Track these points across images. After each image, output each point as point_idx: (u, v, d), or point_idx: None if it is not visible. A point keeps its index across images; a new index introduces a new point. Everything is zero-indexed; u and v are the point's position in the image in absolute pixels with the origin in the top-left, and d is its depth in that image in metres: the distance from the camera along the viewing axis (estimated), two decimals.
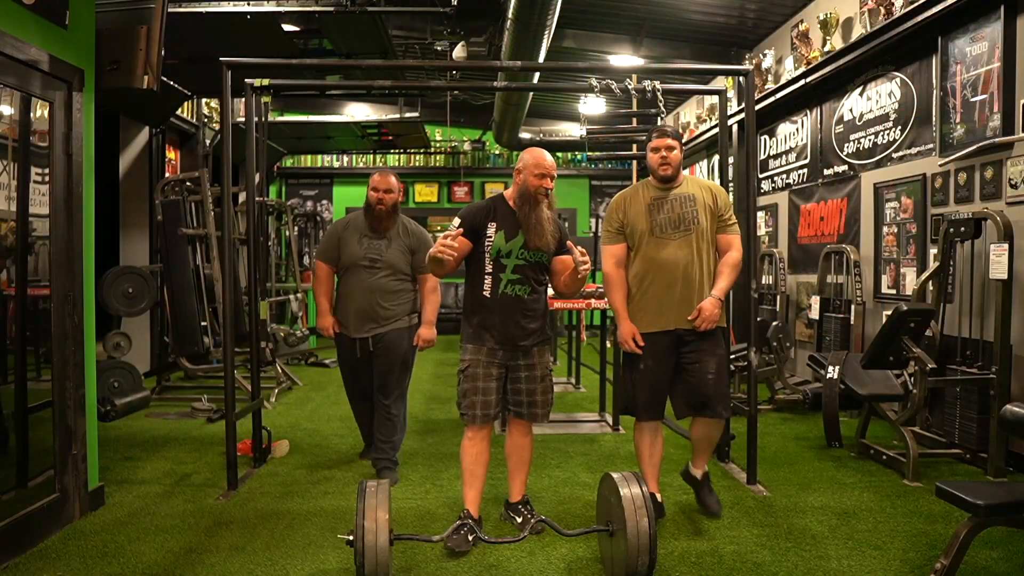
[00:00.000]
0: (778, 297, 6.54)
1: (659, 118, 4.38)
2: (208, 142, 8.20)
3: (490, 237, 3.01)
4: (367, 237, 3.80)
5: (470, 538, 2.94)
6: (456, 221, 3.00)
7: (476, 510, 3.08)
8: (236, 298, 5.86)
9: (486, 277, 3.03)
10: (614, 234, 3.22)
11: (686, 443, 4.52)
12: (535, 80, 7.13)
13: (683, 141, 3.27)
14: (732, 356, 5.00)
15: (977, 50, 4.30)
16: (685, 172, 3.52)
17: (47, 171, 3.12)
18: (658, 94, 4.16)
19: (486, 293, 3.03)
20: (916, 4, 4.57)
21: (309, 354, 8.01)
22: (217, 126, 8.21)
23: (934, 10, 4.44)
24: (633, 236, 3.18)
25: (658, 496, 3.27)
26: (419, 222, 4.04)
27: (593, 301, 4.86)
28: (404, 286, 3.84)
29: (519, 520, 3.16)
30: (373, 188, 3.78)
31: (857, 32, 5.46)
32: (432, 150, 11.86)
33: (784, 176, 6.94)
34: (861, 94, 5.63)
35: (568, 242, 3.05)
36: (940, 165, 4.63)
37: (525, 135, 10.76)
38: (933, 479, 3.64)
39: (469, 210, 3.08)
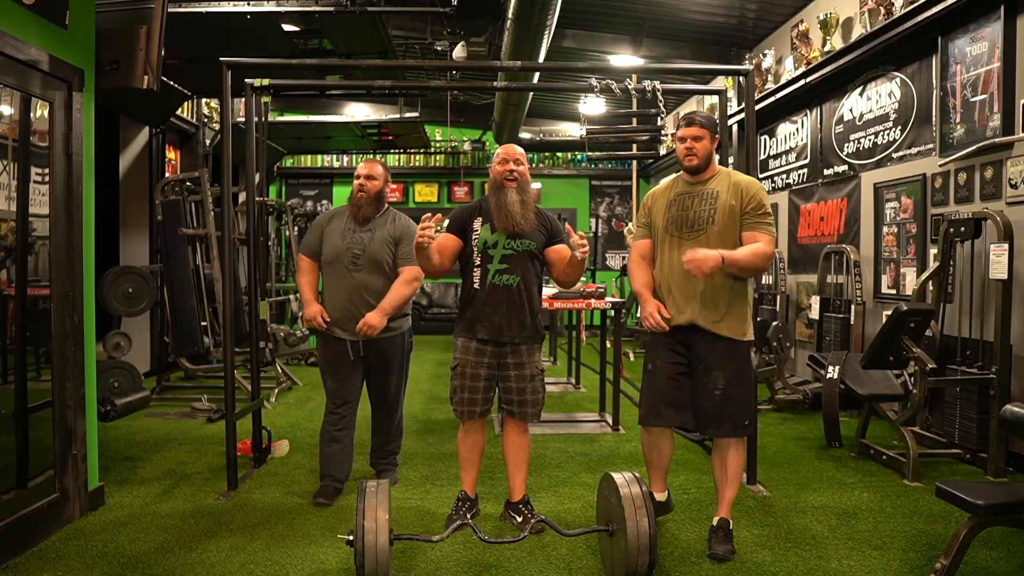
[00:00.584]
0: (778, 297, 6.54)
1: (659, 118, 4.38)
2: (208, 142, 8.20)
3: (476, 231, 3.12)
4: (351, 229, 3.57)
5: (469, 516, 3.13)
6: (446, 222, 3.17)
7: (472, 490, 3.28)
8: (236, 298, 5.85)
9: (475, 270, 3.11)
10: (641, 228, 3.10)
11: (686, 443, 4.53)
12: (535, 80, 7.14)
13: (716, 129, 3.00)
14: None
15: (977, 50, 4.30)
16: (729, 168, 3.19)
17: (47, 171, 3.12)
18: (658, 94, 4.16)
19: (476, 285, 3.10)
20: (916, 4, 4.57)
21: (309, 354, 8.00)
22: (217, 126, 8.21)
23: (934, 10, 4.44)
24: (655, 233, 3.03)
25: (659, 496, 3.17)
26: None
27: (593, 301, 4.86)
28: (391, 284, 3.55)
29: (519, 520, 3.16)
30: (356, 175, 3.62)
31: (857, 32, 5.46)
32: (432, 150, 11.87)
33: (784, 176, 6.95)
34: (861, 94, 5.62)
35: (568, 226, 3.06)
36: (940, 165, 4.63)
37: (525, 135, 10.76)
38: (933, 479, 3.64)
39: (457, 210, 3.23)
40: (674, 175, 3.12)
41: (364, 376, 3.69)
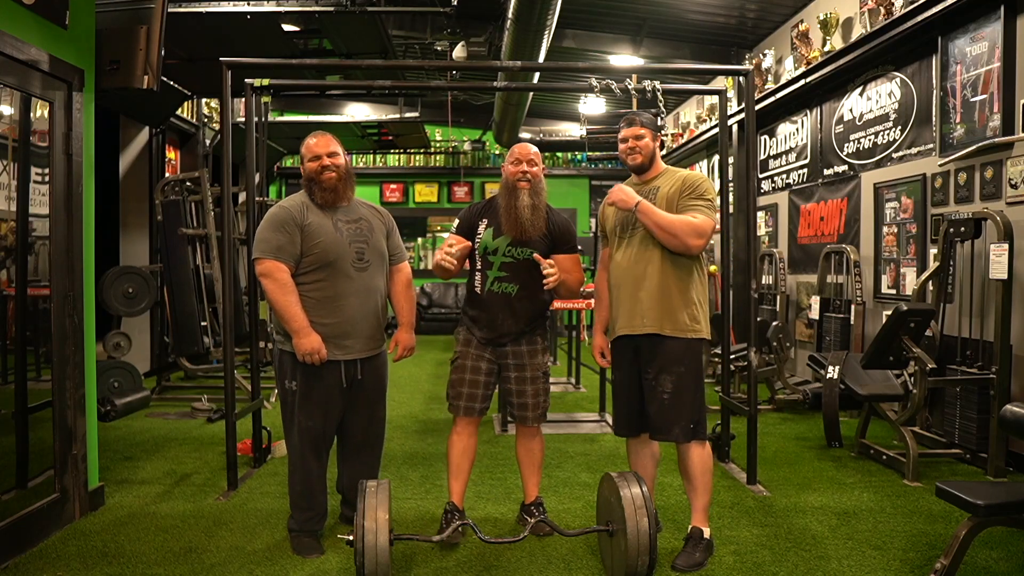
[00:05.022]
0: (778, 297, 6.54)
1: (659, 118, 4.38)
2: (208, 142, 8.20)
3: (480, 234, 3.05)
4: (339, 220, 2.94)
5: (456, 524, 2.97)
6: (455, 222, 3.12)
7: (460, 501, 3.11)
8: (236, 298, 5.86)
9: (477, 273, 3.06)
10: (602, 236, 3.11)
11: None
12: (535, 80, 7.13)
13: (658, 128, 2.99)
14: (732, 356, 5.01)
15: (977, 50, 4.30)
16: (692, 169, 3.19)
17: (47, 171, 3.12)
18: (658, 94, 4.16)
19: (477, 289, 3.06)
20: (916, 4, 4.57)
21: None
22: (217, 126, 8.21)
23: (934, 10, 4.43)
24: (609, 240, 3.04)
25: None
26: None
27: (593, 301, 4.86)
28: (385, 282, 3.11)
29: (532, 521, 3.14)
30: (312, 156, 2.93)
31: (857, 32, 5.46)
32: (432, 150, 11.87)
33: (784, 176, 6.94)
34: (861, 94, 5.62)
35: (535, 255, 2.94)
36: (940, 165, 4.63)
37: (525, 135, 10.75)
38: (933, 479, 3.64)
39: (466, 210, 3.17)
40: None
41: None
